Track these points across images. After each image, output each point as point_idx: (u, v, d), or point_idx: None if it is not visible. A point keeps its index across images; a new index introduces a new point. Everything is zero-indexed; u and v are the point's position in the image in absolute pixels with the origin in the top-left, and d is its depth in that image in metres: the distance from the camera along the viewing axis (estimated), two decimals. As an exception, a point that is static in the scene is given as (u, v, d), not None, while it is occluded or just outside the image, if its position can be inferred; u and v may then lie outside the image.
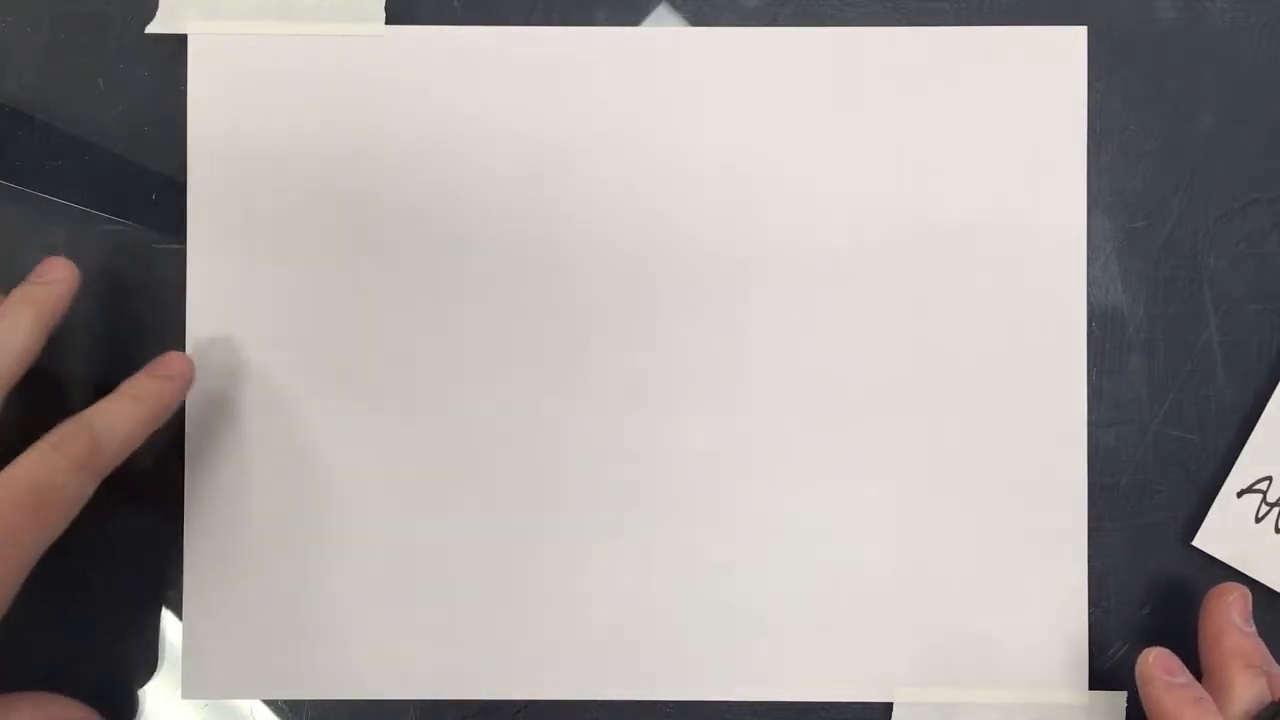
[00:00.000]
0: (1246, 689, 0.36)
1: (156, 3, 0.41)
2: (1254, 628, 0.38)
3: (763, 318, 0.41)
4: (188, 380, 0.39)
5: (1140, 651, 0.38)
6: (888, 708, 0.41)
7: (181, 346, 0.41)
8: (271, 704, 0.41)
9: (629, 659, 0.41)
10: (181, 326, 0.41)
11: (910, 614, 0.41)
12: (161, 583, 0.41)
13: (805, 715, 0.41)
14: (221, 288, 0.41)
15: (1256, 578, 0.40)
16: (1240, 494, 0.40)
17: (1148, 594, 0.41)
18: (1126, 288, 0.41)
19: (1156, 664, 0.37)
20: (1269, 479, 0.40)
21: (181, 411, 0.40)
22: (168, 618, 0.41)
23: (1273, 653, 0.39)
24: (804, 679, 0.41)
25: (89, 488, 0.36)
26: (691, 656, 0.41)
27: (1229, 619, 0.38)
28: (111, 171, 0.41)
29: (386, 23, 0.41)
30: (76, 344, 0.41)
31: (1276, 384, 0.41)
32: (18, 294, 0.37)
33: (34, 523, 0.35)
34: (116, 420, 0.37)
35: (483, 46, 0.41)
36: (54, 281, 0.38)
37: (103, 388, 0.38)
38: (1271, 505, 0.40)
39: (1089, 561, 0.41)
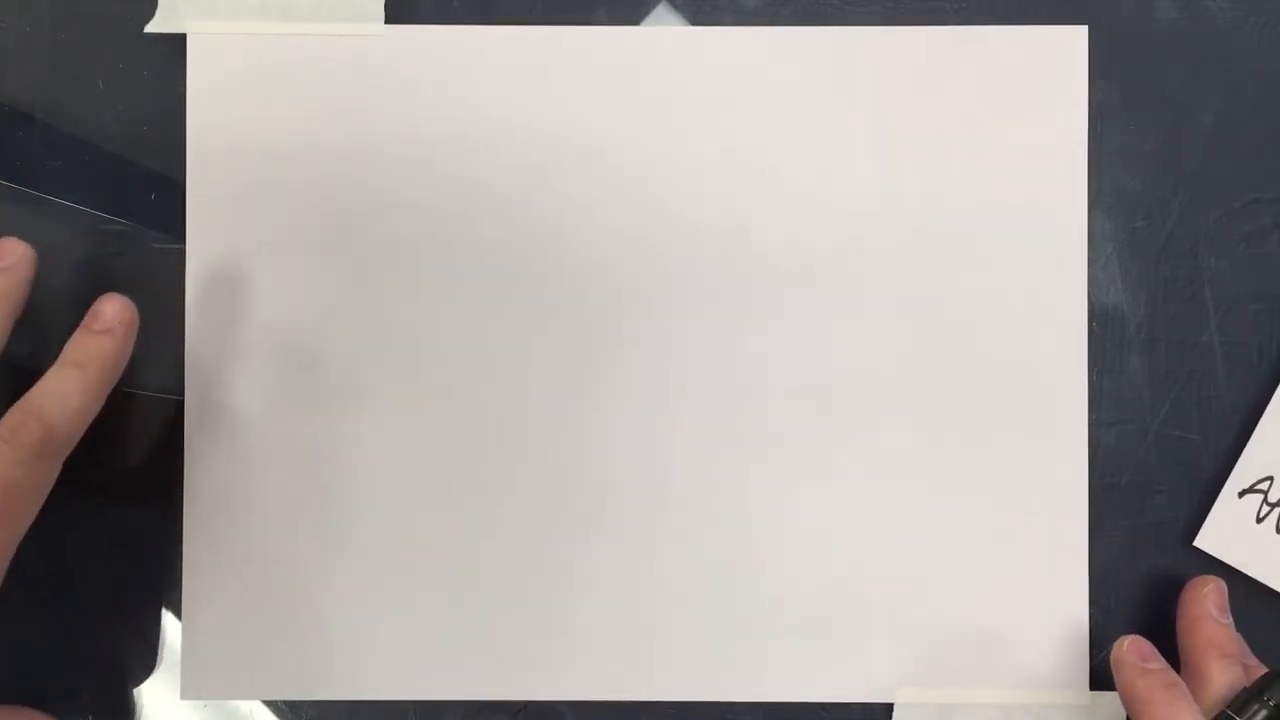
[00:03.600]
0: (1221, 677, 0.37)
1: (156, 2, 0.41)
2: (1230, 619, 0.39)
3: (762, 317, 0.41)
4: (130, 328, 0.37)
5: None
6: (888, 708, 0.41)
7: (180, 346, 0.40)
8: (271, 704, 0.41)
9: (629, 659, 0.41)
10: (181, 326, 0.41)
11: (910, 614, 0.41)
12: (161, 583, 0.41)
13: (805, 715, 0.41)
14: (220, 287, 0.41)
15: (1257, 578, 0.40)
16: (1241, 494, 0.40)
17: (1148, 594, 0.41)
18: (1127, 287, 0.41)
19: (1130, 650, 0.38)
20: (1270, 479, 0.40)
21: (181, 411, 0.40)
22: (168, 618, 0.41)
23: (1275, 653, 0.39)
24: (804, 679, 0.41)
25: (51, 472, 0.35)
26: (691, 656, 0.41)
27: (1205, 610, 0.38)
28: (111, 171, 0.41)
29: (386, 22, 0.41)
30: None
31: (1277, 384, 0.41)
32: None
33: (1, 517, 0.34)
34: (64, 396, 0.35)
35: (483, 46, 0.41)
36: (10, 266, 0.36)
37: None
38: (1273, 505, 0.40)
39: (1089, 561, 0.41)
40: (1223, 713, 0.36)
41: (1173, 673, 0.37)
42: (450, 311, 0.41)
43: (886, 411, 0.41)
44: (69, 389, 0.35)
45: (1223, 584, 0.39)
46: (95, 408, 0.36)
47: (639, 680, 0.41)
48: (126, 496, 0.41)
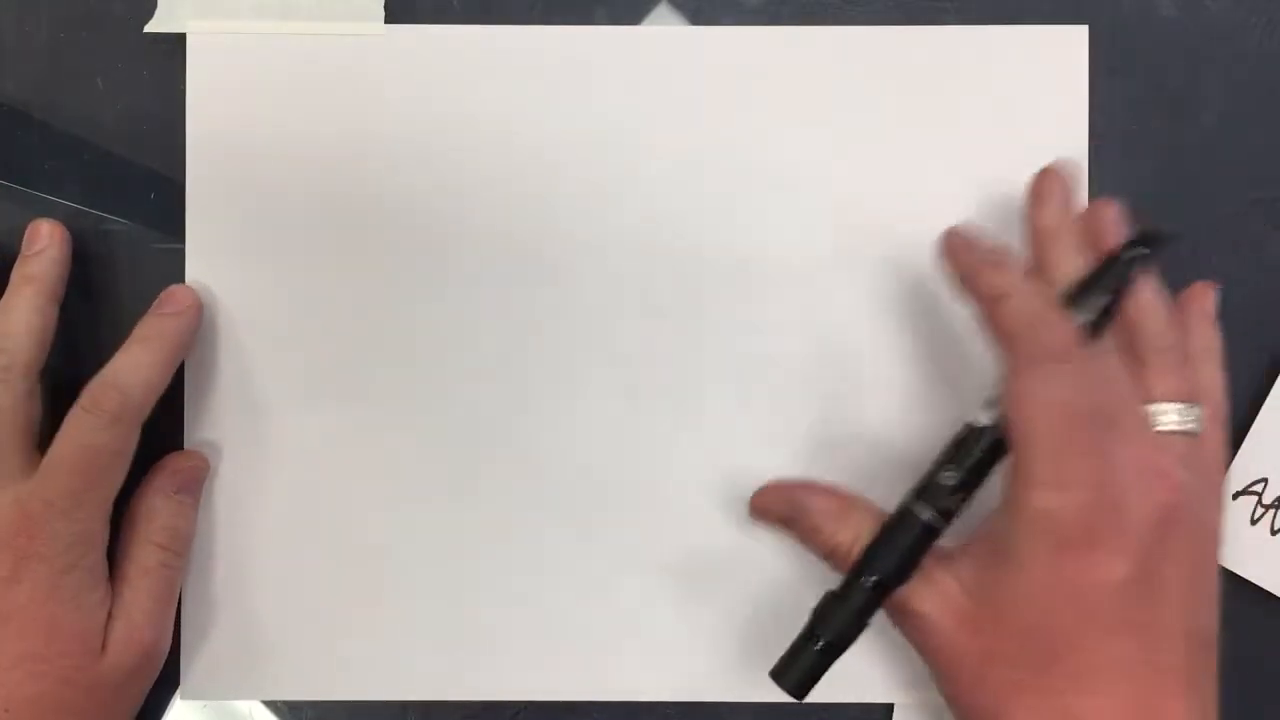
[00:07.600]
0: (1068, 258, 0.35)
1: (155, 2, 0.40)
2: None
3: (762, 316, 0.41)
4: (196, 313, 0.40)
5: None
6: (888, 708, 0.41)
7: (181, 346, 0.41)
8: (271, 704, 0.41)
9: (629, 659, 0.41)
10: (181, 326, 0.41)
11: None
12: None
13: (805, 716, 0.41)
14: (220, 287, 0.41)
15: (1252, 579, 0.40)
16: (1236, 496, 0.40)
17: (1145, 594, 0.41)
18: (1127, 289, 0.41)
19: (955, 233, 0.35)
20: (1264, 481, 0.40)
21: (180, 411, 0.41)
22: (168, 616, 0.41)
23: (1271, 656, 0.39)
24: (802, 678, 0.41)
25: (129, 437, 0.37)
26: (691, 657, 0.41)
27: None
28: (110, 171, 0.41)
29: (386, 22, 0.41)
30: (76, 344, 0.40)
31: (1272, 386, 0.41)
32: (16, 276, 0.39)
33: (94, 482, 0.37)
34: (136, 366, 0.38)
35: (482, 46, 0.41)
36: (44, 249, 0.39)
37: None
38: (1267, 507, 0.40)
39: (1086, 562, 0.41)
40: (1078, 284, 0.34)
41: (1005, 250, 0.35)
42: (449, 311, 0.41)
43: (887, 412, 0.41)
44: (140, 360, 0.38)
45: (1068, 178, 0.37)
46: (165, 377, 0.38)
47: (639, 680, 0.41)
48: (127, 496, 0.41)
